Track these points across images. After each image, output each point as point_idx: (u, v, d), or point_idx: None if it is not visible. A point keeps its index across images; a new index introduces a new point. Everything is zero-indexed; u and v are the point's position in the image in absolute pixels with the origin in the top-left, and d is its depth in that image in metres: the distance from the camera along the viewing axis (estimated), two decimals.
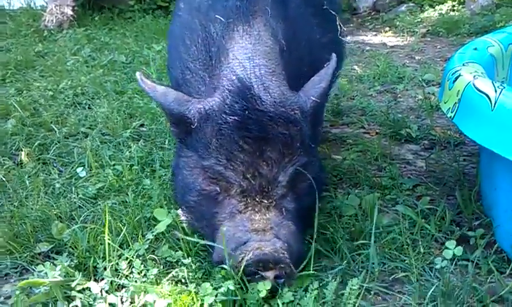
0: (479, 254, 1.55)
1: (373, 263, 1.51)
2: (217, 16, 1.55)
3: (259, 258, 1.28)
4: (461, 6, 6.08)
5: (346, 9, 6.92)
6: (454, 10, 6.04)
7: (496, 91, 1.37)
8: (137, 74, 1.57)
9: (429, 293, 1.37)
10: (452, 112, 1.56)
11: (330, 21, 1.89)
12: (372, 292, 1.45)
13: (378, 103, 3.16)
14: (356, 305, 1.35)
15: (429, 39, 5.23)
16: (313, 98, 1.47)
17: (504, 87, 1.37)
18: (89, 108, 3.08)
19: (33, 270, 1.57)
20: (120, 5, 6.59)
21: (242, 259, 1.28)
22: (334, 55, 1.59)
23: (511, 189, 1.45)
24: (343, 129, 2.81)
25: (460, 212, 1.86)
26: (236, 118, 1.35)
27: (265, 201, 1.36)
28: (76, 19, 5.88)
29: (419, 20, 5.91)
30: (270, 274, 1.31)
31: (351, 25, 6.45)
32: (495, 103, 1.34)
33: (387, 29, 5.87)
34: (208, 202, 1.43)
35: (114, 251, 1.50)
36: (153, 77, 3.56)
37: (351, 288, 1.33)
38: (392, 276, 1.51)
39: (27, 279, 1.50)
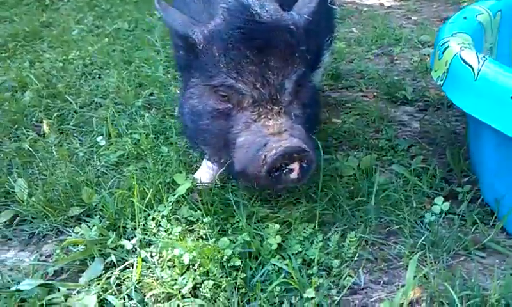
0: (465, 207, 1.74)
1: (370, 218, 1.71)
2: None
3: (284, 151, 1.38)
4: None
5: None
6: None
7: (479, 62, 1.53)
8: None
9: (419, 243, 1.56)
10: (441, 81, 1.72)
11: None
12: (369, 243, 1.65)
13: (376, 66, 3.31)
14: (356, 254, 1.54)
15: None
16: (305, 16, 1.57)
17: (487, 59, 1.53)
18: (99, 78, 3.23)
19: (68, 231, 1.77)
20: None
21: (266, 157, 1.38)
22: None
23: (493, 151, 1.61)
24: (342, 93, 2.96)
25: (450, 169, 2.04)
26: (241, 31, 1.45)
27: (276, 108, 1.48)
28: None
29: None
30: (295, 165, 1.42)
31: None
32: (477, 74, 1.50)
33: None
34: (222, 120, 1.52)
35: (141, 212, 1.69)
36: (158, 45, 3.70)
37: (350, 240, 1.52)
38: (387, 229, 1.71)
39: (64, 239, 1.70)
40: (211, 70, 1.51)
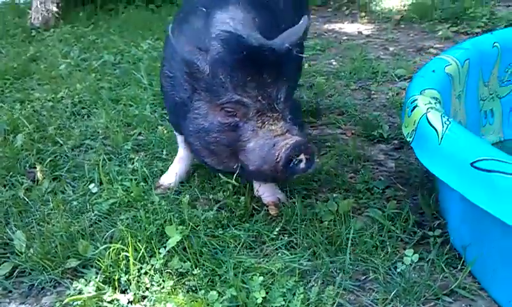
0: (435, 252, 1.89)
1: (349, 266, 1.85)
2: None
3: (293, 145, 1.71)
4: None
5: None
6: None
7: (443, 126, 1.68)
8: (168, 28, 1.94)
9: (393, 293, 1.70)
10: (410, 137, 1.88)
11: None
12: (347, 290, 1.78)
13: (354, 101, 3.47)
14: (335, 303, 1.68)
15: (402, 26, 5.55)
16: (287, 45, 1.81)
17: (450, 123, 1.69)
18: (88, 117, 3.35)
19: (66, 283, 1.88)
20: None
21: (279, 154, 1.70)
22: (305, 17, 1.94)
23: (458, 201, 1.76)
24: (322, 130, 3.11)
25: (423, 212, 2.19)
26: (241, 56, 1.73)
27: (275, 115, 1.79)
28: (61, 15, 6.05)
29: (395, 4, 6.20)
30: (303, 157, 1.74)
31: (329, 9, 6.72)
32: (441, 137, 1.65)
33: (363, 14, 6.14)
34: (230, 132, 1.81)
35: (134, 265, 1.81)
36: (144, 81, 3.83)
37: (328, 292, 1.66)
38: (365, 276, 1.85)
39: (62, 291, 1.82)
40: (217, 90, 1.79)
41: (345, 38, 5.23)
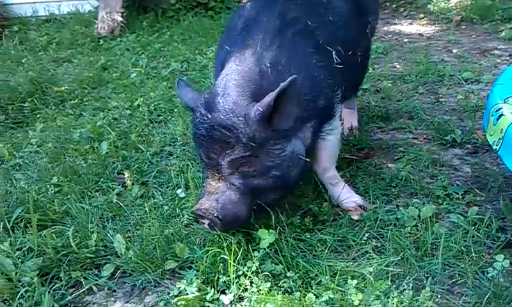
0: None
1: (437, 270, 1.91)
2: (226, 46, 2.24)
3: (196, 209, 1.96)
4: None
5: None
6: None
7: None
8: (177, 81, 2.24)
9: (486, 298, 1.76)
10: (497, 146, 1.92)
11: (326, 53, 2.24)
12: (437, 293, 1.85)
13: (422, 105, 3.49)
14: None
15: (463, 27, 5.48)
16: (259, 108, 1.90)
17: None
18: (165, 124, 3.51)
19: (166, 284, 2.02)
20: (162, 4, 6.96)
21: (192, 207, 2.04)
22: (290, 78, 1.90)
23: None
24: (393, 135, 3.16)
25: (504, 217, 2.22)
26: (198, 120, 1.98)
27: (217, 175, 1.98)
28: (125, 24, 6.30)
29: (453, 5, 6.14)
30: (205, 221, 1.97)
31: (386, 11, 6.71)
32: None
33: (421, 15, 6.11)
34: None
35: (233, 267, 1.93)
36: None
37: (424, 295, 1.72)
38: (452, 281, 1.90)
39: (163, 291, 1.97)
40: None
41: (406, 40, 5.23)
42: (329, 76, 2.19)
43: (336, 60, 2.23)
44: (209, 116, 1.94)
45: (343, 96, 2.36)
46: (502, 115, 1.93)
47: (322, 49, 2.21)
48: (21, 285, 2.06)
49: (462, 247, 2.02)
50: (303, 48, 2.16)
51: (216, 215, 1.92)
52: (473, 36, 5.11)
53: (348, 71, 2.33)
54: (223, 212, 1.93)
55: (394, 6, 6.82)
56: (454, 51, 4.67)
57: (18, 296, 2.00)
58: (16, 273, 2.10)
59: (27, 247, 2.26)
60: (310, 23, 2.21)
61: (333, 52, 2.23)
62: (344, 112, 3.04)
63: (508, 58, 4.35)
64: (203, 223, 1.98)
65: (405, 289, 1.81)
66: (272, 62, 2.05)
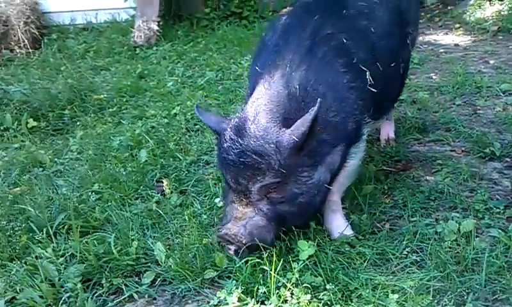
0: None
1: (479, 285, 1.89)
2: (256, 67, 2.23)
3: (223, 234, 1.98)
4: None
5: None
6: None
7: None
8: (195, 107, 2.27)
9: None
10: None
11: (359, 72, 2.21)
12: None
13: (460, 117, 3.46)
14: None
15: (500, 37, 5.41)
16: (294, 138, 1.91)
17: None
18: (201, 133, 3.56)
19: (205, 293, 2.05)
20: (197, 14, 7.05)
21: (219, 231, 2.02)
22: (319, 100, 1.93)
23: None
24: (430, 147, 3.14)
25: None
26: (227, 145, 1.98)
27: (245, 200, 1.99)
28: (161, 33, 6.39)
29: (489, 15, 6.06)
30: (232, 247, 2.00)
31: (421, 21, 6.65)
32: None
33: (457, 25, 6.05)
34: (226, 188, 2.11)
35: (273, 278, 1.95)
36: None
37: None
38: (494, 296, 1.88)
39: (203, 300, 2.00)
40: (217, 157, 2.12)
41: (442, 50, 5.19)
42: (359, 97, 2.16)
43: (370, 81, 2.20)
44: (240, 141, 1.94)
45: (382, 112, 2.35)
46: None
47: (355, 68, 2.18)
48: (64, 291, 2.11)
49: (503, 263, 2.00)
50: (333, 68, 2.13)
51: (244, 241, 1.95)
52: (511, 47, 5.04)
53: (388, 83, 2.33)
54: (251, 238, 1.96)
55: (429, 15, 6.78)
56: (491, 62, 4.62)
57: (61, 302, 2.05)
58: (59, 279, 2.16)
59: (69, 254, 2.31)
60: (345, 40, 2.18)
61: (367, 72, 2.19)
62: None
63: None
64: (229, 249, 2.01)
65: (446, 304, 1.81)
66: (301, 84, 2.05)
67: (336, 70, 2.14)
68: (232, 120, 2.05)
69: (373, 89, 2.20)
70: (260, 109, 2.00)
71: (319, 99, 1.93)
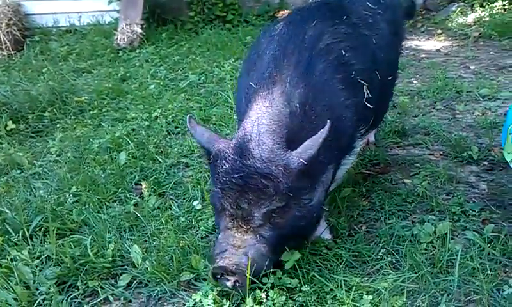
0: None
1: (452, 287, 1.91)
2: (250, 82, 2.09)
3: (224, 265, 1.80)
4: None
5: None
6: (505, 10, 6.20)
7: None
8: (187, 118, 2.10)
9: None
10: None
11: (357, 87, 2.18)
12: None
13: (439, 121, 3.49)
14: None
15: (481, 43, 5.46)
16: (302, 161, 1.83)
17: None
18: (182, 136, 3.55)
19: (181, 295, 2.04)
20: (181, 17, 7.03)
21: (215, 262, 1.83)
22: (328, 122, 1.86)
23: None
24: (409, 150, 3.16)
25: None
26: (228, 166, 1.86)
27: (245, 226, 1.85)
28: (144, 36, 6.37)
29: (471, 21, 6.13)
30: (231, 278, 1.82)
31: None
32: None
33: (439, 31, 6.11)
34: (217, 212, 1.96)
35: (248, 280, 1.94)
36: (231, 101, 3.99)
37: None
38: (467, 298, 1.90)
39: (178, 302, 1.99)
40: (213, 179, 1.98)
41: (423, 55, 5.23)
42: (355, 114, 2.12)
43: (368, 94, 2.16)
44: (244, 163, 1.83)
45: (374, 125, 2.33)
46: None
47: (353, 83, 2.13)
48: (39, 293, 2.09)
49: (477, 265, 2.02)
50: (330, 86, 2.07)
51: (242, 273, 1.80)
52: (491, 53, 5.10)
53: (384, 96, 2.31)
54: (253, 268, 1.82)
55: (411, 21, 6.82)
56: (472, 67, 4.67)
57: (35, 304, 2.04)
58: (34, 281, 2.14)
59: (45, 256, 2.30)
60: (344, 52, 2.13)
61: (365, 86, 2.15)
62: None
63: None
64: (227, 281, 1.84)
65: (420, 305, 1.82)
66: (300, 102, 1.97)
67: (334, 88, 2.08)
68: (233, 141, 1.93)
69: (369, 105, 2.17)
70: (262, 129, 1.89)
71: (328, 121, 1.86)
